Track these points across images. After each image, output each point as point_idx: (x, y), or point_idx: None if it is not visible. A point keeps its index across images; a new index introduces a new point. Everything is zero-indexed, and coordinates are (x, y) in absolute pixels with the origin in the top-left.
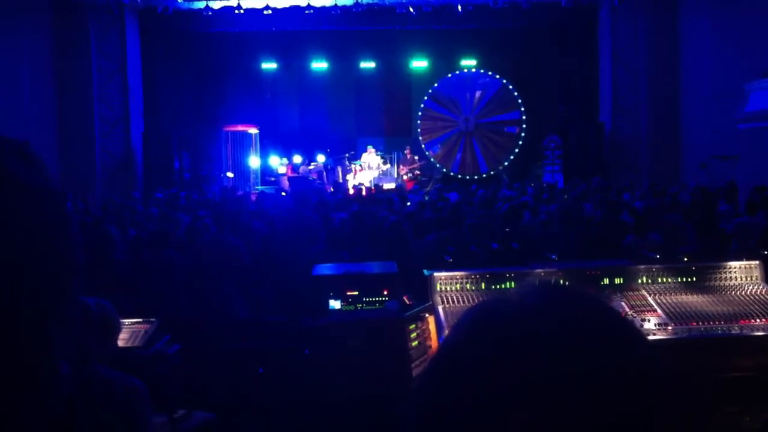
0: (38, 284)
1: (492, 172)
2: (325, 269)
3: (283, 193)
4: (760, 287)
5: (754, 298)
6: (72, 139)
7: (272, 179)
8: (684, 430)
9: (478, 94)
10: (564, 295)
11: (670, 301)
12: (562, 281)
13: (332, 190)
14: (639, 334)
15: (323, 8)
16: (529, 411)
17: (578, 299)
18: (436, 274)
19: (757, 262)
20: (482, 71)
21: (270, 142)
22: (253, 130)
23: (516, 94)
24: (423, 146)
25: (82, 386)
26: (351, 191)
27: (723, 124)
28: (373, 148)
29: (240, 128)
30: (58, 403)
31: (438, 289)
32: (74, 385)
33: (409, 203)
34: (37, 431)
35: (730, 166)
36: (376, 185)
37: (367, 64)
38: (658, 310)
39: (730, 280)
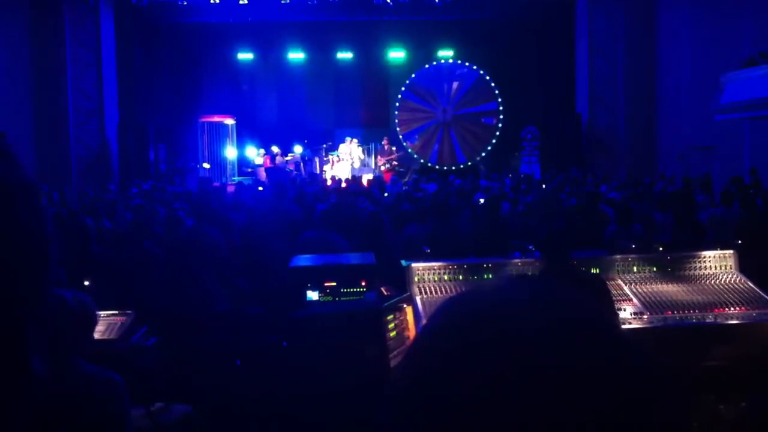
0: (12, 279)
1: (469, 163)
2: (303, 260)
3: (261, 188)
4: (734, 276)
5: (729, 287)
6: (47, 130)
7: (249, 170)
8: (662, 422)
9: (455, 85)
10: (541, 288)
11: (645, 290)
12: (538, 272)
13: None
14: (616, 328)
15: None
16: (500, 403)
17: (554, 291)
18: (414, 264)
19: (731, 251)
20: (459, 62)
21: (247, 132)
22: (230, 121)
23: (493, 85)
24: (401, 137)
25: (62, 381)
26: (329, 182)
27: (700, 115)
28: (350, 138)
29: (216, 119)
30: (37, 399)
31: (416, 279)
32: (54, 381)
33: (387, 194)
34: (17, 427)
35: (706, 157)
36: (354, 176)
37: (345, 55)
38: (634, 300)
39: (705, 270)
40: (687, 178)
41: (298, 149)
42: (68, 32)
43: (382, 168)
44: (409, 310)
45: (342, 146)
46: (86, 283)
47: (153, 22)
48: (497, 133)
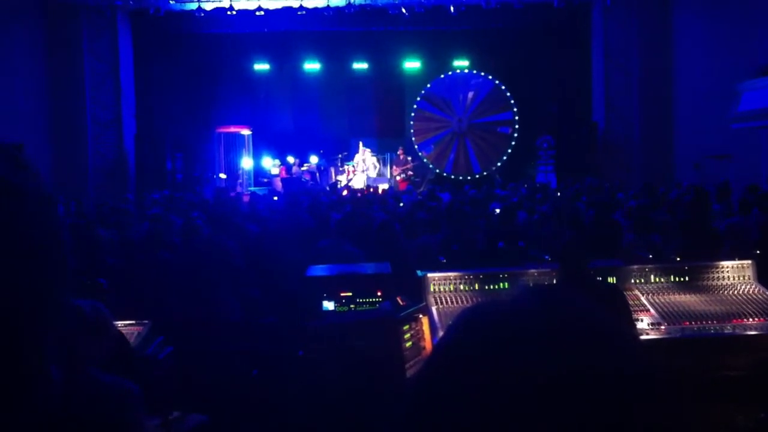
0: (28, 287)
1: (485, 173)
2: (319, 270)
3: (275, 198)
4: (753, 287)
5: (747, 297)
6: (64, 140)
7: (265, 180)
8: (675, 430)
9: (470, 94)
10: (555, 298)
11: (663, 300)
12: (555, 283)
13: (328, 189)
14: (630, 338)
15: (316, 9)
16: (516, 413)
17: (569, 302)
18: (429, 274)
19: (750, 261)
20: (475, 72)
21: (263, 143)
22: (246, 132)
23: (509, 94)
24: (416, 147)
25: (74, 389)
26: (345, 192)
27: (716, 123)
28: (365, 147)
29: (233, 129)
30: (49, 406)
31: (432, 289)
32: (67, 388)
33: (402, 204)
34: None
35: (722, 166)
36: (369, 186)
37: (360, 65)
38: (652, 310)
39: (723, 280)
40: (697, 187)
41: (313, 159)
42: (86, 44)
43: (398, 178)
44: (425, 320)
45: (357, 155)
46: (103, 295)
47: (170, 33)
48: (512, 143)
